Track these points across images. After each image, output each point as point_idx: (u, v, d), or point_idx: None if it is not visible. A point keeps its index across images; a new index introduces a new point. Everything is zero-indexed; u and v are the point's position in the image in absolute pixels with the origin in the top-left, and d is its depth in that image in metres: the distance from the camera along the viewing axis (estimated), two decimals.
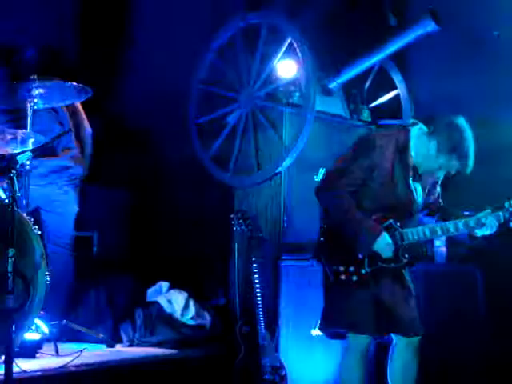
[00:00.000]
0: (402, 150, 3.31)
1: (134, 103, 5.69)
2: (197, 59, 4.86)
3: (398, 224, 3.28)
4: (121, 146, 5.62)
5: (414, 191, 3.34)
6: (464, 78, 4.67)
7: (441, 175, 3.39)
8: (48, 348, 3.98)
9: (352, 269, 3.29)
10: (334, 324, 3.41)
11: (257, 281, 4.18)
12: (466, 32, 4.76)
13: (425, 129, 3.28)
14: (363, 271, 3.28)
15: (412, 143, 3.32)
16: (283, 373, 4.22)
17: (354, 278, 3.29)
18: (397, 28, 4.84)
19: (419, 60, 5.06)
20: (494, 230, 3.22)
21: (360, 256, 3.28)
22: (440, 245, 4.30)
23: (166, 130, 5.48)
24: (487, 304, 4.15)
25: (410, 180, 3.32)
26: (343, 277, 3.31)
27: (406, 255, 3.28)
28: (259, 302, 4.17)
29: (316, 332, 3.82)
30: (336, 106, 4.89)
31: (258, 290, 4.17)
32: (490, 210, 3.22)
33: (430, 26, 4.35)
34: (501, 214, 3.19)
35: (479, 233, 3.27)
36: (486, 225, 3.21)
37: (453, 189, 3.64)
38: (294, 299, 4.36)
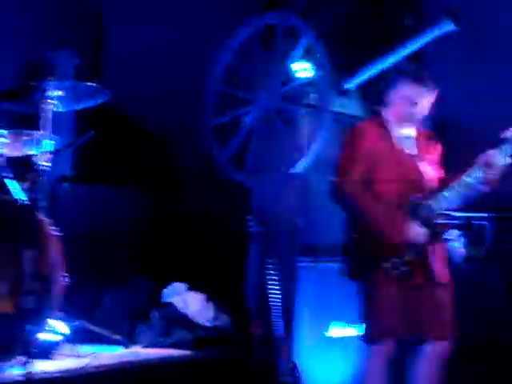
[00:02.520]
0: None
1: (151, 103, 5.69)
2: (213, 59, 4.85)
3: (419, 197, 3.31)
4: (135, 146, 5.63)
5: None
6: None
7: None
8: (66, 349, 3.98)
9: (397, 260, 3.28)
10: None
11: (273, 282, 4.17)
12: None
13: None
14: (407, 258, 3.27)
15: None
16: (299, 375, 4.21)
17: (402, 268, 3.28)
18: (414, 28, 4.82)
19: (436, 59, 5.03)
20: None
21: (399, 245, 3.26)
22: (458, 246, 4.28)
23: (180, 130, 5.47)
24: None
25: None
26: (394, 271, 3.29)
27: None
28: (276, 304, 4.16)
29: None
30: (353, 107, 4.87)
31: (274, 292, 4.16)
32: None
33: (448, 27, 4.33)
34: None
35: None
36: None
37: None
38: (310, 301, 4.35)
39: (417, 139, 3.57)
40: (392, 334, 3.34)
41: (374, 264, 3.30)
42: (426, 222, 3.29)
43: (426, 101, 3.44)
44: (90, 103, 4.37)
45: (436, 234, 3.32)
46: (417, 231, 3.27)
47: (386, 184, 3.34)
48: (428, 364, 3.40)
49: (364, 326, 3.45)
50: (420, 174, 3.43)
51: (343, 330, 4.46)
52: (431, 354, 3.39)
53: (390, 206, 3.29)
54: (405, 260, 3.26)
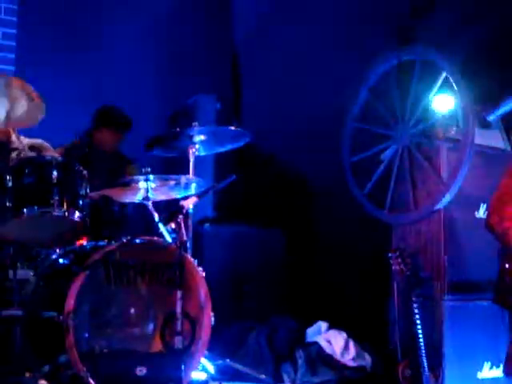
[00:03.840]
0: None
1: (287, 143, 5.76)
2: (350, 97, 4.87)
3: None
4: (274, 186, 5.70)
5: None
6: None
7: None
8: None
9: None
10: None
11: (418, 321, 4.07)
12: None
13: None
14: None
15: None
16: None
17: None
18: None
19: None
20: None
21: None
22: None
23: (319, 169, 5.50)
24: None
25: None
26: None
27: None
28: (421, 344, 4.06)
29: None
30: (495, 139, 4.73)
31: (420, 331, 4.06)
32: None
33: None
34: None
35: None
36: None
37: None
38: (459, 340, 4.22)
39: None
40: None
41: None
42: None
43: None
44: (232, 146, 4.47)
45: None
46: None
47: None
48: None
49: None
50: None
51: (496, 370, 4.29)
52: None
53: None
54: None
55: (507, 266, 3.27)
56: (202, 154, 4.38)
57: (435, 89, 4.49)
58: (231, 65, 6.42)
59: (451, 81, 4.39)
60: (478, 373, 4.33)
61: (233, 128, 4.22)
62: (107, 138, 5.11)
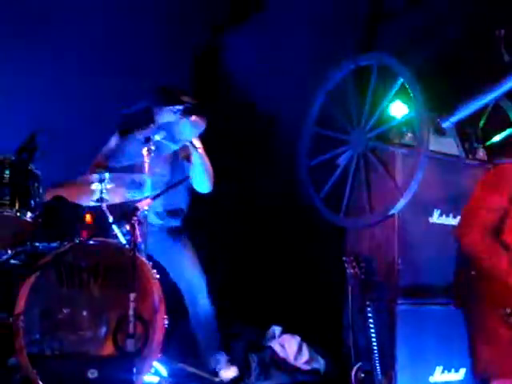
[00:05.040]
0: None
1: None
2: (309, 102, 4.88)
3: None
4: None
5: None
6: None
7: None
8: None
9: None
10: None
11: (372, 325, 4.10)
12: None
13: None
14: None
15: None
16: None
17: None
18: (511, 64, 4.72)
19: None
20: None
21: None
22: None
23: (274, 172, 5.51)
24: None
25: None
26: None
27: None
28: (375, 347, 4.09)
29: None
30: (450, 146, 4.78)
31: (373, 335, 4.09)
32: None
33: None
34: None
35: None
36: None
37: None
38: (411, 344, 4.24)
39: None
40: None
41: (491, 305, 3.20)
42: None
43: None
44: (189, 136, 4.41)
45: None
46: None
47: None
48: None
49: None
50: None
51: (448, 374, 4.34)
52: None
53: None
54: None
55: (473, 272, 3.31)
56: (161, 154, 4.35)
57: (391, 95, 4.53)
58: (192, 68, 6.39)
59: (407, 87, 4.43)
60: (430, 377, 4.36)
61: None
62: None
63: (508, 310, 3.17)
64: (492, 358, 3.26)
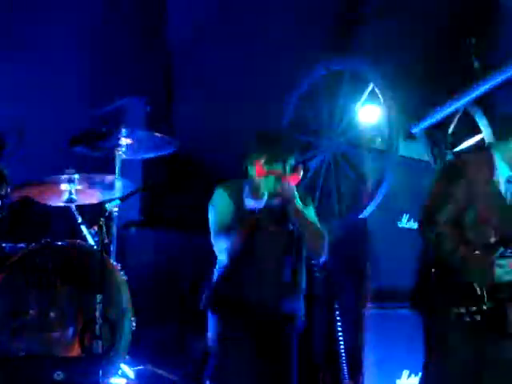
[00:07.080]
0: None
1: (218, 149, 5.75)
2: (281, 106, 4.90)
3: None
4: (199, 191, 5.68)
5: None
6: None
7: None
8: None
9: (474, 308, 3.14)
10: None
11: (340, 329, 4.11)
12: None
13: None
14: (484, 307, 3.12)
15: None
16: None
17: (478, 317, 3.13)
18: (481, 72, 4.77)
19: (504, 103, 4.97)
20: None
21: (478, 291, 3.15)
22: None
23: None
24: None
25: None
26: (467, 318, 3.14)
27: None
28: (342, 351, 4.10)
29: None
30: (419, 151, 4.83)
31: (340, 339, 4.11)
32: None
33: None
34: None
35: None
36: None
37: None
38: (378, 348, 4.28)
39: None
40: None
41: (449, 304, 3.19)
42: None
43: None
44: (158, 153, 4.42)
45: None
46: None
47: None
48: None
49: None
50: None
51: (414, 378, 4.37)
52: None
53: (480, 250, 3.16)
54: (482, 310, 3.13)
55: (433, 270, 3.30)
56: (129, 157, 4.33)
57: (362, 99, 4.56)
58: (164, 69, 6.37)
59: (377, 92, 4.47)
60: (397, 380, 4.40)
61: (159, 135, 4.17)
62: None
63: (462, 310, 3.16)
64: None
